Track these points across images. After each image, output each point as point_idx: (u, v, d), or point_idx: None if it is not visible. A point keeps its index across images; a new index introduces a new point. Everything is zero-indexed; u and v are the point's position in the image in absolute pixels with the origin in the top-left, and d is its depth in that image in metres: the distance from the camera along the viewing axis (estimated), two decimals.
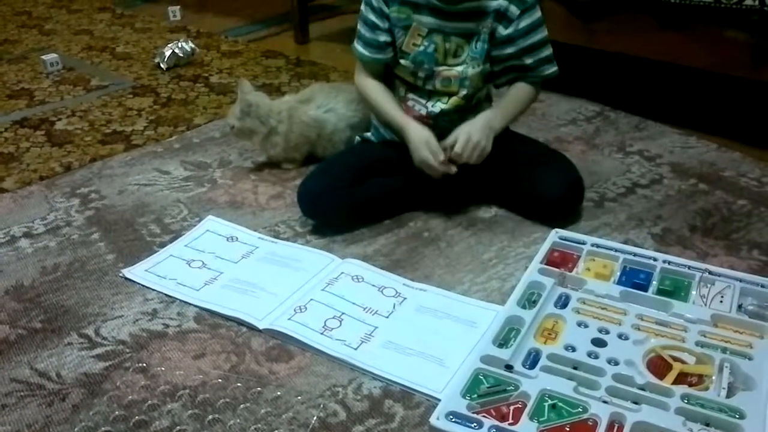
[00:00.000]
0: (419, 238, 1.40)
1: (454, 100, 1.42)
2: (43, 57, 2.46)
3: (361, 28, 1.44)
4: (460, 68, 1.39)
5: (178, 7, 3.12)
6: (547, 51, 1.40)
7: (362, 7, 1.43)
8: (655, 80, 2.17)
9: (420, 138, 1.36)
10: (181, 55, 2.43)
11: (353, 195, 1.41)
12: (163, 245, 1.40)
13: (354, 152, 1.57)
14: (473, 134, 1.33)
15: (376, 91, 1.46)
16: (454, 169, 1.35)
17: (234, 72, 2.40)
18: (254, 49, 2.64)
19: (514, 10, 1.34)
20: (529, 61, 1.39)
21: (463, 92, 1.41)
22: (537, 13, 1.36)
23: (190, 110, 2.09)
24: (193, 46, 2.48)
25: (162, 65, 2.40)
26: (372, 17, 1.40)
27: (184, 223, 1.48)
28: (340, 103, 1.69)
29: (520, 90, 1.44)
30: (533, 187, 1.39)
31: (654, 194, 1.54)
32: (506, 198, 1.46)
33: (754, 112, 1.98)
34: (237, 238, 1.41)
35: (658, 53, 1.81)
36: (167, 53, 2.41)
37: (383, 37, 1.41)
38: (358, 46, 1.45)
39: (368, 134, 1.53)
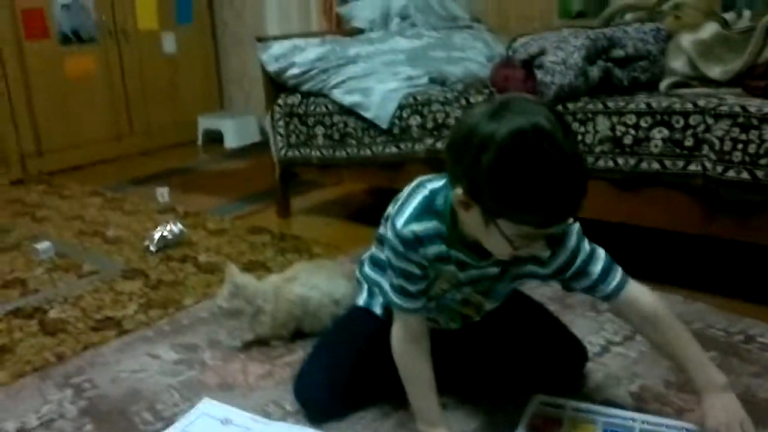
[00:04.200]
0: (409, 412, 1.41)
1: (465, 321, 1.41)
2: (35, 245, 2.56)
3: (405, 285, 1.24)
4: (480, 297, 1.35)
5: (166, 188, 3.28)
6: (602, 257, 1.28)
7: (400, 264, 1.23)
8: (617, 240, 2.29)
9: None
10: (170, 237, 2.54)
11: (353, 394, 1.43)
12: None
13: (349, 335, 1.51)
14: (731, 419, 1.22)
15: (414, 371, 1.31)
16: None
17: (221, 250, 2.50)
18: (240, 226, 2.78)
19: (543, 254, 1.21)
20: (595, 271, 1.26)
21: (476, 318, 1.41)
22: (570, 244, 1.24)
23: (179, 291, 2.16)
24: (181, 227, 2.61)
25: (151, 248, 2.51)
26: (416, 270, 1.23)
27: (176, 409, 1.51)
28: (322, 280, 1.78)
29: (642, 309, 1.28)
30: (545, 357, 1.44)
31: (628, 351, 1.61)
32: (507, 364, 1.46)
33: (712, 264, 2.10)
34: (231, 420, 1.44)
35: (615, 215, 1.94)
36: (156, 236, 2.53)
37: (424, 284, 1.27)
38: (406, 304, 1.27)
39: (365, 300, 1.50)
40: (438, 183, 1.23)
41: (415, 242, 1.20)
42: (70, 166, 4.07)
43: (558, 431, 1.28)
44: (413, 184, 1.28)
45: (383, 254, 1.32)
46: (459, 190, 1.10)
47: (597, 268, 1.26)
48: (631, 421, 1.27)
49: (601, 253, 1.28)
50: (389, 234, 1.23)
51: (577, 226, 1.26)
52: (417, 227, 1.20)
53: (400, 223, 1.20)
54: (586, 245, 1.27)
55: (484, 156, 1.03)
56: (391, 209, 1.29)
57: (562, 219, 1.09)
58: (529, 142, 1.01)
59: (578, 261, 1.25)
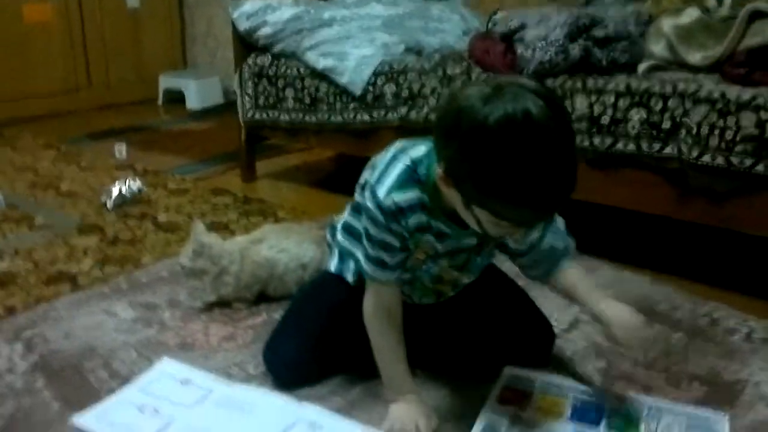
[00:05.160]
0: (377, 380, 1.38)
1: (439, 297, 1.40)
2: None
3: (383, 256, 1.20)
4: (456, 273, 1.32)
5: (125, 145, 3.17)
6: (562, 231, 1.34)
7: (379, 235, 1.19)
8: (587, 218, 2.30)
9: (409, 416, 1.22)
10: (128, 195, 2.45)
11: (323, 361, 1.40)
12: (111, 391, 1.37)
13: (320, 302, 1.45)
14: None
15: (385, 341, 1.27)
16: None
17: (182, 210, 2.43)
18: (202, 187, 2.70)
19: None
20: (561, 245, 1.32)
21: (450, 293, 1.39)
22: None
23: (138, 249, 2.09)
24: (140, 185, 2.51)
25: (108, 204, 2.42)
26: (396, 242, 1.19)
27: (134, 367, 1.46)
28: (291, 243, 1.74)
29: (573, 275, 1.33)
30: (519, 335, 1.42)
31: (596, 328, 1.61)
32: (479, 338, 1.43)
33: (681, 247, 2.12)
34: (191, 380, 1.39)
35: (588, 194, 1.93)
36: (114, 192, 2.43)
37: (402, 256, 1.24)
38: (381, 275, 1.23)
39: (337, 266, 1.43)
40: (420, 149, 1.18)
41: (397, 212, 1.15)
42: (23, 116, 3.90)
43: (528, 403, 1.27)
44: (393, 150, 1.22)
45: (359, 223, 1.28)
46: (441, 170, 1.07)
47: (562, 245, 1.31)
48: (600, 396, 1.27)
49: (561, 225, 1.32)
50: (369, 204, 1.18)
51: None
52: (399, 197, 1.15)
53: (382, 192, 1.15)
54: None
55: (471, 145, 1.00)
56: (368, 176, 1.23)
57: (545, 216, 1.07)
58: (518, 132, 0.97)
59: (549, 239, 1.29)
